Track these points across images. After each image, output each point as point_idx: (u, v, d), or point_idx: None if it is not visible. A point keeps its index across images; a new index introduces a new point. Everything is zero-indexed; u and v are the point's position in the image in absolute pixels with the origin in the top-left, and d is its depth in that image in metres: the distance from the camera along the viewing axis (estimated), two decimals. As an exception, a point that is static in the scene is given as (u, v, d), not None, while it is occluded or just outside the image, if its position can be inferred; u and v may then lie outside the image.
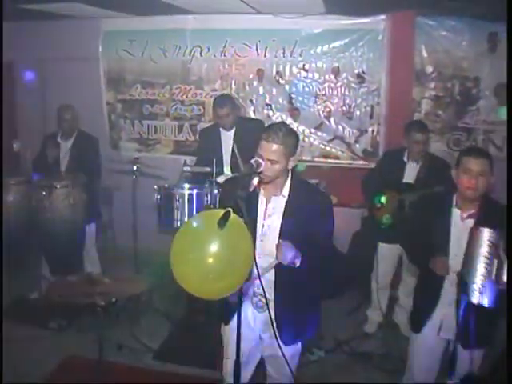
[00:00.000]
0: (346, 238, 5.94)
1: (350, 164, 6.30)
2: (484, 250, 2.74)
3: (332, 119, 6.26)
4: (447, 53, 5.89)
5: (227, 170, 5.01)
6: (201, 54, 6.40)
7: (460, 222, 3.13)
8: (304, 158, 6.37)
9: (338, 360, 4.62)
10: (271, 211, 2.93)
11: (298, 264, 2.80)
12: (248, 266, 2.40)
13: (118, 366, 4.33)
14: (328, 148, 6.35)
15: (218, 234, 2.34)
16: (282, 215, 2.91)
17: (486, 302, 2.73)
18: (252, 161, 2.73)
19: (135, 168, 5.13)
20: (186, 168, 4.96)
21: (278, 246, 2.79)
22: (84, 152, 5.38)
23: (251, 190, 2.64)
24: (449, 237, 3.15)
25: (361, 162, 6.25)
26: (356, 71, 6.12)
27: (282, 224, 2.90)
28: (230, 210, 2.31)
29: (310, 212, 2.90)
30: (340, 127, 6.26)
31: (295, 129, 6.22)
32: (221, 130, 5.06)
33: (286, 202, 2.92)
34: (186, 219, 4.63)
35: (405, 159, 4.73)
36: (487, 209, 3.06)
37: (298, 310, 3.07)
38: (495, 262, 2.72)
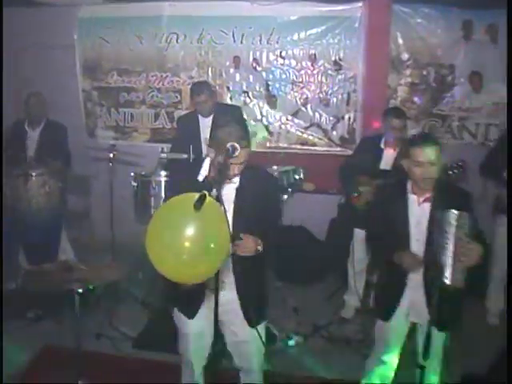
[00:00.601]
0: (324, 225, 6.00)
1: (326, 151, 6.34)
2: (451, 231, 2.78)
3: (309, 106, 6.29)
4: (422, 40, 5.93)
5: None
6: (177, 41, 6.34)
7: (417, 206, 3.15)
8: (281, 144, 6.42)
9: (316, 345, 4.66)
10: (224, 197, 2.82)
11: (260, 249, 2.86)
12: (225, 249, 2.42)
13: (97, 354, 4.31)
14: (305, 135, 6.37)
15: (193, 217, 2.36)
16: (233, 202, 2.93)
17: (457, 282, 2.80)
18: (228, 145, 2.70)
19: (111, 155, 5.11)
20: (163, 155, 4.95)
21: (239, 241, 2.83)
22: (52, 140, 5.32)
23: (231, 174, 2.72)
24: (408, 223, 3.17)
25: (338, 148, 6.28)
26: (333, 58, 6.13)
27: (234, 211, 2.92)
28: (206, 192, 2.33)
29: (259, 196, 2.96)
30: (317, 114, 6.29)
31: (272, 116, 6.31)
32: (199, 116, 5.06)
33: (237, 188, 2.95)
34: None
35: (382, 145, 4.74)
36: (441, 190, 3.06)
37: (257, 291, 3.12)
38: (460, 242, 2.77)
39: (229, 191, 2.91)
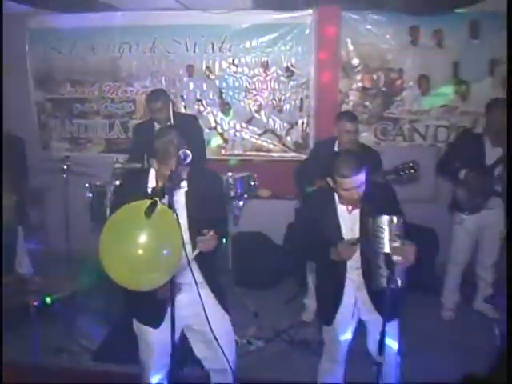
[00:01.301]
0: (281, 230, 6.06)
1: (281, 157, 6.41)
2: (384, 235, 2.86)
3: (262, 113, 6.37)
4: (372, 46, 6.10)
5: None
6: (130, 50, 6.35)
7: (348, 214, 3.23)
8: (236, 152, 6.47)
9: (277, 349, 4.70)
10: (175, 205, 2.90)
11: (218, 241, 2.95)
12: (178, 255, 2.46)
13: (56, 369, 4.22)
14: (259, 141, 6.44)
15: (145, 224, 2.39)
16: (184, 206, 2.99)
17: (397, 283, 2.87)
18: (180, 152, 2.74)
19: (65, 167, 5.07)
20: (117, 165, 4.93)
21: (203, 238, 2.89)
22: (9, 153, 5.23)
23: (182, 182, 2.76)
24: (341, 231, 3.24)
25: (292, 154, 6.36)
26: (285, 65, 6.23)
27: (187, 214, 2.99)
28: (157, 199, 2.36)
29: (208, 194, 3.05)
30: (271, 120, 6.37)
31: (227, 123, 6.35)
32: (155, 125, 5.05)
33: (186, 192, 3.01)
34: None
35: (336, 149, 4.77)
36: (368, 198, 3.14)
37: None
38: (394, 245, 2.85)
39: (179, 196, 2.96)
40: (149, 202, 2.38)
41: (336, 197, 3.25)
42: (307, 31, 6.08)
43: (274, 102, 6.32)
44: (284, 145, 6.39)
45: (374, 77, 6.19)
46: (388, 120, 6.23)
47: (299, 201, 5.17)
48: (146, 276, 2.43)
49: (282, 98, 6.30)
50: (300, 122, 6.33)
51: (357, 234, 3.17)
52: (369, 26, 6.03)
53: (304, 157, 6.02)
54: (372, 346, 3.39)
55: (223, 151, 6.49)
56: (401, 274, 2.88)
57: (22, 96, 6.56)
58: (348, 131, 4.63)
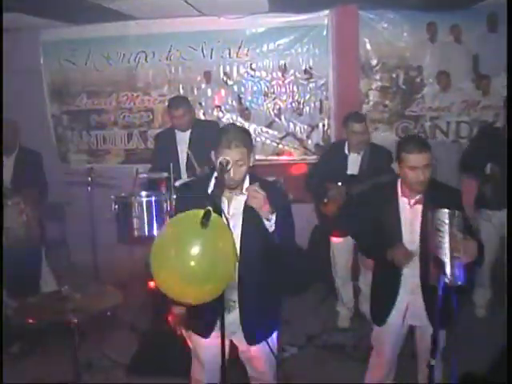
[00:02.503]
0: (305, 234, 5.98)
1: (303, 160, 6.35)
2: (445, 229, 2.75)
3: (283, 116, 6.30)
4: (390, 44, 6.04)
5: (184, 174, 4.94)
6: (146, 59, 6.30)
7: (409, 209, 3.16)
8: (257, 157, 6.36)
9: (311, 354, 4.62)
10: (233, 211, 2.86)
11: (268, 211, 2.72)
12: (232, 267, 2.37)
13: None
14: (281, 145, 6.38)
15: (199, 234, 2.31)
16: (241, 215, 2.86)
17: (457, 280, 2.76)
18: (220, 159, 2.65)
19: (89, 179, 5.01)
20: (142, 175, 4.87)
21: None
22: (28, 168, 5.15)
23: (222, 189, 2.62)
24: (400, 225, 3.17)
25: (314, 157, 6.26)
26: (303, 67, 6.16)
27: (243, 224, 2.85)
28: (211, 208, 2.28)
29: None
30: (291, 124, 6.31)
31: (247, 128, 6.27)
32: (176, 132, 5.01)
33: (245, 201, 2.85)
34: (145, 228, 4.58)
35: (346, 151, 4.74)
36: (431, 191, 3.09)
37: (261, 310, 3.01)
38: (456, 240, 2.75)
39: (238, 204, 2.86)
40: (202, 211, 2.30)
41: (399, 188, 3.20)
42: (324, 32, 6.01)
43: (294, 105, 6.26)
44: (305, 148, 6.33)
45: (393, 75, 6.11)
46: (409, 118, 6.16)
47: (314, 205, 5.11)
48: (199, 289, 2.34)
49: (302, 101, 6.23)
50: (320, 124, 6.26)
51: (416, 230, 3.11)
52: (386, 25, 5.97)
53: None
54: (420, 350, 3.34)
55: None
56: (460, 271, 2.77)
57: (37, 109, 6.51)
58: (356, 132, 4.60)
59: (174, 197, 4.51)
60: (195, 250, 2.30)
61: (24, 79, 6.29)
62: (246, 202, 2.81)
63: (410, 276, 3.17)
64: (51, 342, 4.60)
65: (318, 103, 6.23)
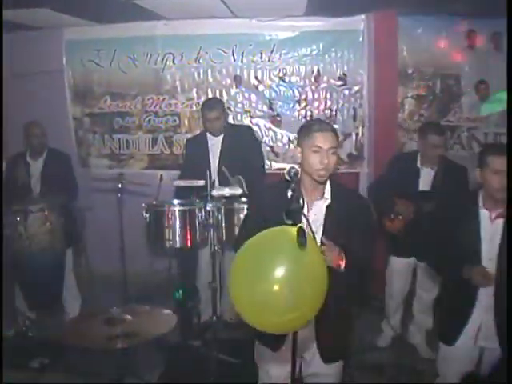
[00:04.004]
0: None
1: (336, 169, 6.07)
2: None
3: (315, 124, 6.03)
4: (427, 51, 5.84)
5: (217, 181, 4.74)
6: (173, 61, 6.04)
7: (489, 223, 2.98)
8: (288, 165, 6.11)
9: (348, 374, 4.38)
10: (313, 217, 2.69)
11: (342, 266, 2.59)
12: (323, 291, 2.14)
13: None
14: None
15: (288, 256, 2.08)
16: (323, 220, 2.72)
17: None
18: (290, 168, 2.51)
19: (120, 185, 4.74)
20: (177, 182, 4.63)
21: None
22: (57, 171, 4.93)
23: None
24: (480, 241, 2.98)
25: (346, 166, 6.07)
26: (337, 73, 5.94)
27: (324, 229, 2.71)
28: (302, 225, 2.06)
29: (351, 215, 2.73)
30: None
31: (277, 136, 6.05)
32: (208, 136, 4.82)
33: (327, 206, 2.73)
34: (177, 239, 4.35)
35: (418, 165, 4.42)
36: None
37: (337, 325, 2.85)
38: None
39: (319, 209, 2.73)
40: (293, 229, 2.06)
41: (480, 200, 3.02)
42: (360, 38, 5.80)
43: (327, 112, 6.01)
44: (338, 157, 6.03)
45: (430, 84, 5.91)
46: (445, 128, 5.89)
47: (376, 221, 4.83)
48: (284, 317, 2.09)
49: (335, 108, 5.99)
50: (354, 132, 6.02)
51: (496, 248, 2.93)
52: (423, 31, 5.74)
53: (359, 169, 5.95)
54: (485, 371, 3.14)
55: (274, 164, 6.16)
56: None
57: (58, 111, 6.23)
58: (436, 145, 4.28)
59: (210, 206, 4.31)
60: (279, 272, 2.07)
61: (45, 80, 6.03)
62: (327, 206, 2.71)
63: (485, 294, 2.98)
64: (72, 356, 4.33)
65: (351, 111, 5.98)
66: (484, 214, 3.00)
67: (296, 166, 2.55)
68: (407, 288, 4.75)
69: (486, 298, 2.99)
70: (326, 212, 2.72)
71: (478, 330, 3.06)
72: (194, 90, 6.12)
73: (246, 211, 4.03)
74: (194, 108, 6.11)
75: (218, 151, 4.82)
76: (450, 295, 3.30)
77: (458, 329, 3.10)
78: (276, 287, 2.03)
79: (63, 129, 6.28)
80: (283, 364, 2.79)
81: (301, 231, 2.04)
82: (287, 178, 2.52)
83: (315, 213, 2.72)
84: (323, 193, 2.76)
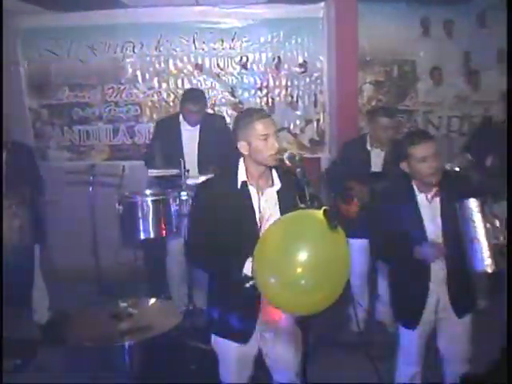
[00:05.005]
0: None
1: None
2: (477, 217, 2.80)
3: (276, 111, 6.07)
4: (385, 38, 5.99)
5: (194, 170, 4.67)
6: (134, 50, 5.93)
7: (428, 204, 3.10)
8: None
9: (325, 352, 4.35)
10: (264, 204, 2.73)
11: None
12: (347, 272, 2.22)
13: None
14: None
15: (305, 236, 2.14)
16: (277, 207, 2.74)
17: (498, 265, 2.80)
18: (287, 155, 2.57)
19: (91, 178, 4.66)
20: (151, 171, 4.58)
21: None
22: (21, 164, 4.70)
23: None
24: (422, 222, 3.10)
25: (308, 151, 6.15)
26: (297, 60, 6.00)
27: (281, 214, 2.69)
28: (327, 207, 2.11)
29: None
30: (285, 118, 6.10)
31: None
32: (182, 123, 4.78)
33: (277, 191, 2.75)
34: (151, 229, 4.32)
35: (368, 147, 4.53)
36: (444, 181, 3.06)
37: None
38: (489, 226, 2.80)
39: (270, 196, 2.75)
40: (319, 212, 2.12)
41: (414, 186, 3.11)
42: (320, 25, 5.88)
43: (288, 98, 6.07)
44: (300, 143, 6.17)
45: (388, 70, 6.08)
46: (402, 112, 6.14)
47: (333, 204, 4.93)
48: (309, 298, 2.15)
49: (296, 95, 6.06)
50: (315, 118, 6.11)
51: (439, 226, 3.05)
52: (381, 18, 5.88)
53: (320, 154, 6.04)
54: (441, 342, 3.29)
55: (237, 151, 6.14)
56: (501, 256, 2.81)
57: (13, 103, 5.88)
58: (386, 127, 4.39)
59: (183, 195, 4.30)
60: (303, 255, 2.12)
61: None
62: (278, 192, 2.74)
63: (438, 269, 3.10)
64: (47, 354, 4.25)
65: (312, 97, 6.07)
66: (421, 196, 3.11)
67: (294, 152, 2.60)
68: (367, 268, 4.83)
69: (439, 272, 3.10)
70: (278, 197, 2.75)
71: (436, 305, 3.16)
72: (156, 79, 6.03)
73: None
74: (156, 97, 6.05)
75: (196, 142, 4.78)
76: (403, 280, 3.35)
77: (418, 310, 3.18)
78: (302, 269, 2.08)
79: (20, 121, 6.01)
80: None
81: (330, 213, 2.10)
82: (287, 163, 2.56)
83: (266, 199, 2.74)
84: (272, 179, 2.77)
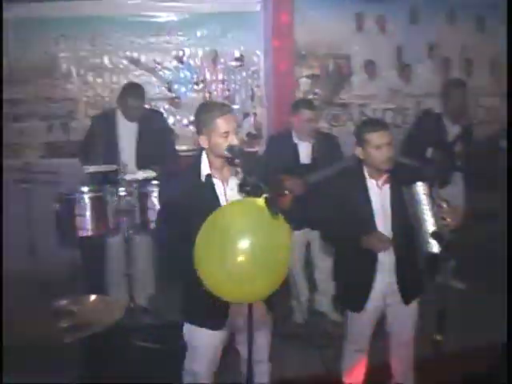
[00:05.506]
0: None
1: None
2: (424, 200, 2.90)
3: (214, 105, 6.04)
4: (320, 32, 6.07)
5: (132, 166, 4.59)
6: (67, 43, 5.76)
7: (378, 190, 3.18)
8: (186, 147, 6.05)
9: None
10: (230, 192, 2.79)
11: None
12: (288, 260, 2.26)
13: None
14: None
15: (246, 224, 2.17)
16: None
17: (440, 247, 2.88)
18: (229, 146, 2.62)
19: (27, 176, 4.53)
20: (87, 168, 4.48)
21: None
22: None
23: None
24: (371, 208, 3.17)
25: (245, 145, 6.13)
26: (234, 55, 6.02)
27: None
28: (268, 196, 2.17)
29: None
30: (223, 113, 6.07)
31: (176, 117, 6.02)
32: (120, 118, 4.71)
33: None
34: (89, 227, 4.25)
35: (295, 140, 4.59)
36: (396, 169, 3.14)
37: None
38: (436, 208, 2.90)
39: (234, 184, 2.78)
40: (258, 200, 2.16)
41: (365, 172, 3.19)
42: (257, 19, 5.91)
43: (225, 93, 6.08)
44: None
45: (323, 63, 6.18)
46: (338, 106, 6.26)
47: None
48: (250, 286, 2.17)
49: (233, 89, 6.09)
50: (252, 112, 6.15)
51: (388, 211, 3.12)
52: (317, 13, 5.97)
53: (257, 148, 6.04)
54: (391, 327, 3.36)
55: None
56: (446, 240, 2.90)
57: None
58: (309, 119, 4.46)
59: (122, 191, 4.26)
60: (245, 243, 2.13)
61: None
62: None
63: (387, 254, 3.16)
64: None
65: (249, 91, 6.11)
66: (371, 182, 3.19)
67: (236, 143, 2.64)
68: (303, 258, 4.90)
69: (388, 258, 3.16)
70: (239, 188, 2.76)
71: (386, 290, 3.23)
72: (90, 74, 5.90)
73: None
74: (91, 93, 5.92)
75: (135, 138, 4.71)
76: (351, 263, 3.39)
77: (365, 294, 3.24)
78: (243, 257, 2.10)
79: None
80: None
81: (271, 201, 2.12)
82: (229, 155, 2.61)
83: (231, 187, 2.79)
84: (235, 169, 2.80)
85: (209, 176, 2.77)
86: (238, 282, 2.14)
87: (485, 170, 5.55)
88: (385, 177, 3.15)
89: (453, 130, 4.98)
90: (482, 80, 6.59)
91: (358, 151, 3.16)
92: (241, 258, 2.10)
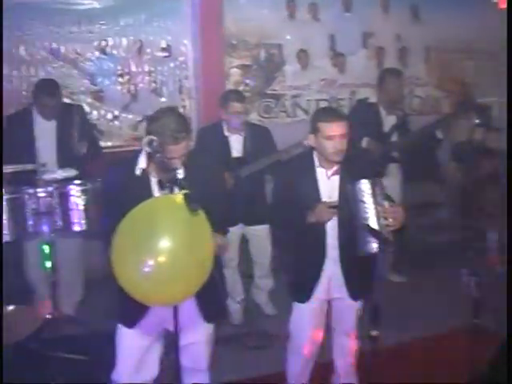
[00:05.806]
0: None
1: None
2: (370, 200, 2.85)
3: (140, 98, 5.78)
4: (251, 21, 5.89)
5: (53, 165, 4.39)
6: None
7: (327, 180, 3.12)
8: (112, 143, 5.75)
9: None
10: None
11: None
12: (210, 260, 2.19)
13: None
14: (138, 131, 5.71)
15: (166, 224, 2.09)
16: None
17: (381, 248, 2.88)
18: (147, 140, 2.48)
19: None
20: (8, 169, 4.18)
21: None
22: None
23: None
24: (319, 196, 3.10)
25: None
26: (161, 45, 5.74)
27: None
28: (187, 192, 2.12)
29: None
30: (149, 106, 5.67)
31: (100, 112, 5.73)
32: (36, 117, 4.48)
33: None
34: (7, 231, 3.99)
35: (226, 133, 4.50)
36: (345, 161, 3.07)
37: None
38: (379, 208, 2.86)
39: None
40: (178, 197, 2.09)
41: (315, 160, 3.12)
42: (184, 7, 5.66)
43: (152, 85, 5.80)
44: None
45: (254, 53, 5.99)
46: (270, 97, 6.11)
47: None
48: (169, 289, 2.04)
49: (160, 81, 5.81)
50: (181, 105, 5.87)
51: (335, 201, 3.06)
52: (247, 1, 5.82)
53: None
54: (336, 323, 3.35)
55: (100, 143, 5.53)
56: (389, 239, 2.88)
57: None
58: (239, 111, 4.39)
59: (41, 192, 4.02)
60: (163, 243, 2.05)
61: None
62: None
63: (332, 247, 3.13)
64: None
65: (177, 83, 5.85)
66: (321, 171, 3.12)
67: (152, 137, 2.49)
68: (238, 255, 4.78)
69: (333, 250, 3.13)
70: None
71: (329, 283, 3.19)
72: (5, 66, 5.36)
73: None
74: (9, 87, 5.45)
75: (54, 136, 4.51)
76: (299, 253, 3.34)
77: (311, 284, 3.19)
78: (161, 258, 2.04)
79: None
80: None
81: (189, 197, 2.05)
82: (147, 149, 2.49)
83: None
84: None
85: (144, 171, 2.67)
86: (154, 285, 2.04)
87: (421, 160, 5.56)
88: (335, 167, 3.08)
89: (388, 121, 4.97)
90: (418, 70, 6.53)
91: (310, 138, 3.09)
92: (159, 259, 2.04)
